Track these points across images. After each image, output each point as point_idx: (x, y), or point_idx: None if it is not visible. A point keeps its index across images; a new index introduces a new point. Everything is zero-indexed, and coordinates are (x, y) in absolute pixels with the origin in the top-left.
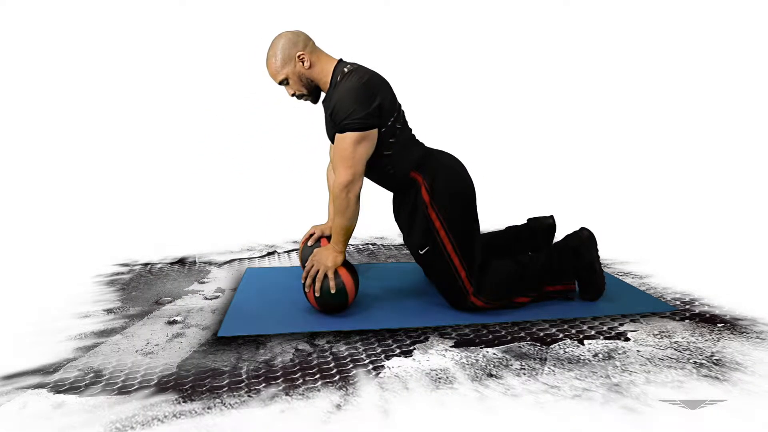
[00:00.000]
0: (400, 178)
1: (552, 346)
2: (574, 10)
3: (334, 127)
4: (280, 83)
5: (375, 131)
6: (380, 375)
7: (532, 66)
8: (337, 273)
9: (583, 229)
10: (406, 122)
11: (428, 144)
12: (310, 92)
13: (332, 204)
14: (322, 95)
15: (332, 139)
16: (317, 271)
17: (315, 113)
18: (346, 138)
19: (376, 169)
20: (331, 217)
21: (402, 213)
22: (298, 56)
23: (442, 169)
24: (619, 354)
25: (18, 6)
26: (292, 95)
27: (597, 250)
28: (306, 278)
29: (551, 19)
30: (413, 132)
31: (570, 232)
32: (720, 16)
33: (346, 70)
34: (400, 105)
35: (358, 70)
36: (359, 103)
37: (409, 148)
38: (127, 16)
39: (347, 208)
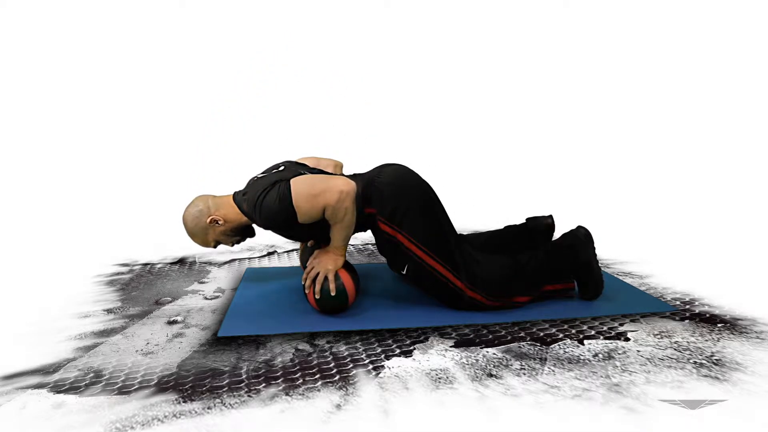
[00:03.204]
0: (360, 219)
1: (552, 346)
2: (574, 11)
3: (290, 223)
4: (216, 246)
5: (297, 177)
6: (380, 375)
7: (533, 66)
8: (338, 275)
9: (579, 227)
10: (328, 173)
11: (429, 144)
12: (243, 234)
13: (328, 218)
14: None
15: (300, 237)
16: (317, 273)
17: (314, 113)
18: (299, 200)
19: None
20: None
21: (378, 246)
22: (210, 222)
23: (385, 190)
24: (619, 354)
25: (18, 6)
26: (232, 245)
27: (594, 249)
28: (306, 280)
29: (551, 20)
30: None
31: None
32: (720, 16)
33: (242, 199)
34: (308, 171)
35: (247, 185)
36: (266, 194)
37: None
38: (128, 17)
39: (345, 215)
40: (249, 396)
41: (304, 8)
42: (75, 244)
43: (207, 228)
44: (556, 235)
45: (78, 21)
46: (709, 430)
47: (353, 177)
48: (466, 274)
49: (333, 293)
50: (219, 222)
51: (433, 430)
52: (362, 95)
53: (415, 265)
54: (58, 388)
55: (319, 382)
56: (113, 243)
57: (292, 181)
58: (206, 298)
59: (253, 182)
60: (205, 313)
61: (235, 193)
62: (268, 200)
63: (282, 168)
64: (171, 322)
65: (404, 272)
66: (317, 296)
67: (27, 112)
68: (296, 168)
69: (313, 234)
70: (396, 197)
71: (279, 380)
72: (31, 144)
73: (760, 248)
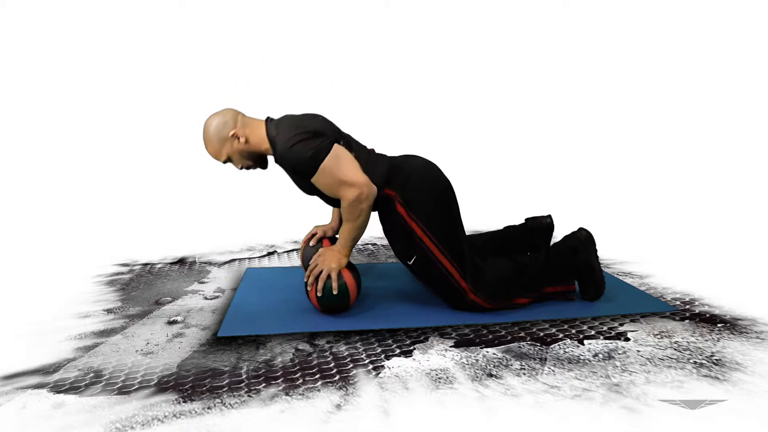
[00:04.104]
0: (376, 199)
1: (552, 346)
2: (574, 11)
3: (304, 176)
4: (225, 162)
5: (338, 146)
6: (380, 375)
7: (532, 66)
8: (341, 274)
9: (581, 229)
10: (358, 143)
11: (429, 144)
12: (256, 161)
13: (343, 212)
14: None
15: (305, 189)
16: (320, 271)
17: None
18: (324, 169)
19: None
20: (334, 217)
21: (386, 230)
22: (231, 135)
23: (411, 176)
24: (619, 354)
25: (18, 6)
26: (241, 168)
27: (595, 250)
28: (308, 277)
29: (551, 20)
30: (372, 149)
31: (569, 232)
32: (720, 16)
33: (274, 127)
34: (343, 133)
35: (284, 118)
36: (305, 138)
37: (373, 166)
38: (128, 17)
39: (359, 217)
40: (249, 396)
41: (304, 8)
42: (75, 244)
43: (225, 140)
44: (557, 235)
45: (78, 21)
46: (709, 430)
47: (379, 157)
48: (471, 277)
49: (335, 291)
50: (240, 139)
51: (433, 430)
52: (362, 95)
53: (424, 257)
54: (58, 388)
55: (319, 382)
56: (113, 243)
57: (335, 148)
58: (206, 298)
59: (291, 119)
60: (205, 313)
61: (268, 118)
62: (302, 147)
63: (320, 118)
64: (171, 322)
65: (410, 262)
66: (319, 294)
67: (27, 113)
68: (337, 129)
69: (320, 194)
70: (421, 187)
71: (279, 380)
72: (32, 144)
73: (760, 248)
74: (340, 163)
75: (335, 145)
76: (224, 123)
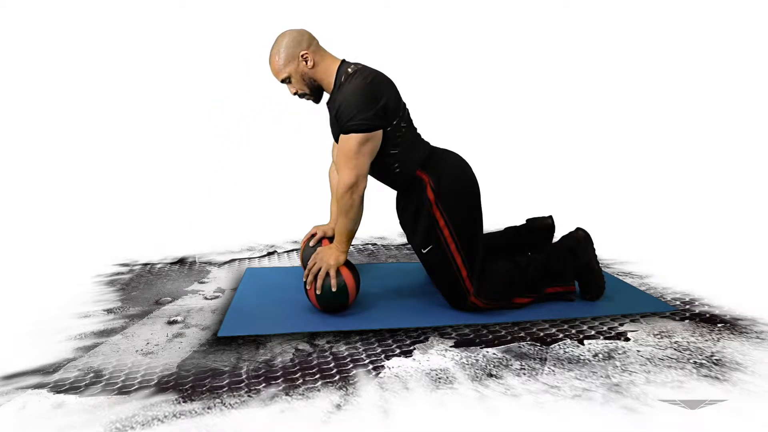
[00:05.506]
0: (406, 176)
1: (552, 346)
2: (574, 11)
3: (339, 128)
4: (283, 81)
5: (380, 132)
6: (380, 375)
7: (532, 66)
8: (339, 272)
9: (578, 229)
10: (411, 121)
11: (432, 144)
12: (313, 92)
13: (336, 204)
14: (326, 96)
15: (337, 140)
16: (319, 269)
17: (315, 113)
18: (351, 139)
19: (383, 167)
20: (334, 218)
21: (406, 212)
22: (302, 55)
23: (448, 168)
24: (619, 354)
25: (18, 6)
26: (294, 94)
27: (593, 250)
28: (308, 275)
29: (551, 19)
30: (418, 131)
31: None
32: (720, 16)
33: (350, 70)
34: (404, 104)
35: (362, 70)
36: (364, 104)
37: (416, 146)
38: (128, 16)
39: (351, 209)
40: (249, 396)
41: (304, 9)
42: (75, 244)
43: (294, 58)
44: (558, 235)
45: (78, 21)
46: (709, 430)
47: (423, 141)
48: (477, 280)
49: (334, 289)
50: (308, 62)
51: (433, 430)
52: None
53: (439, 248)
54: (58, 388)
55: (319, 382)
56: (113, 243)
57: (376, 133)
58: (206, 298)
59: (368, 76)
60: (205, 313)
61: (343, 60)
62: (358, 106)
63: (392, 88)
64: (171, 322)
65: (424, 251)
66: (318, 292)
67: (27, 112)
68: (401, 105)
69: None
70: (456, 182)
71: (279, 380)
72: (32, 144)
73: (760, 248)
74: (365, 145)
75: (379, 131)
76: (298, 42)
